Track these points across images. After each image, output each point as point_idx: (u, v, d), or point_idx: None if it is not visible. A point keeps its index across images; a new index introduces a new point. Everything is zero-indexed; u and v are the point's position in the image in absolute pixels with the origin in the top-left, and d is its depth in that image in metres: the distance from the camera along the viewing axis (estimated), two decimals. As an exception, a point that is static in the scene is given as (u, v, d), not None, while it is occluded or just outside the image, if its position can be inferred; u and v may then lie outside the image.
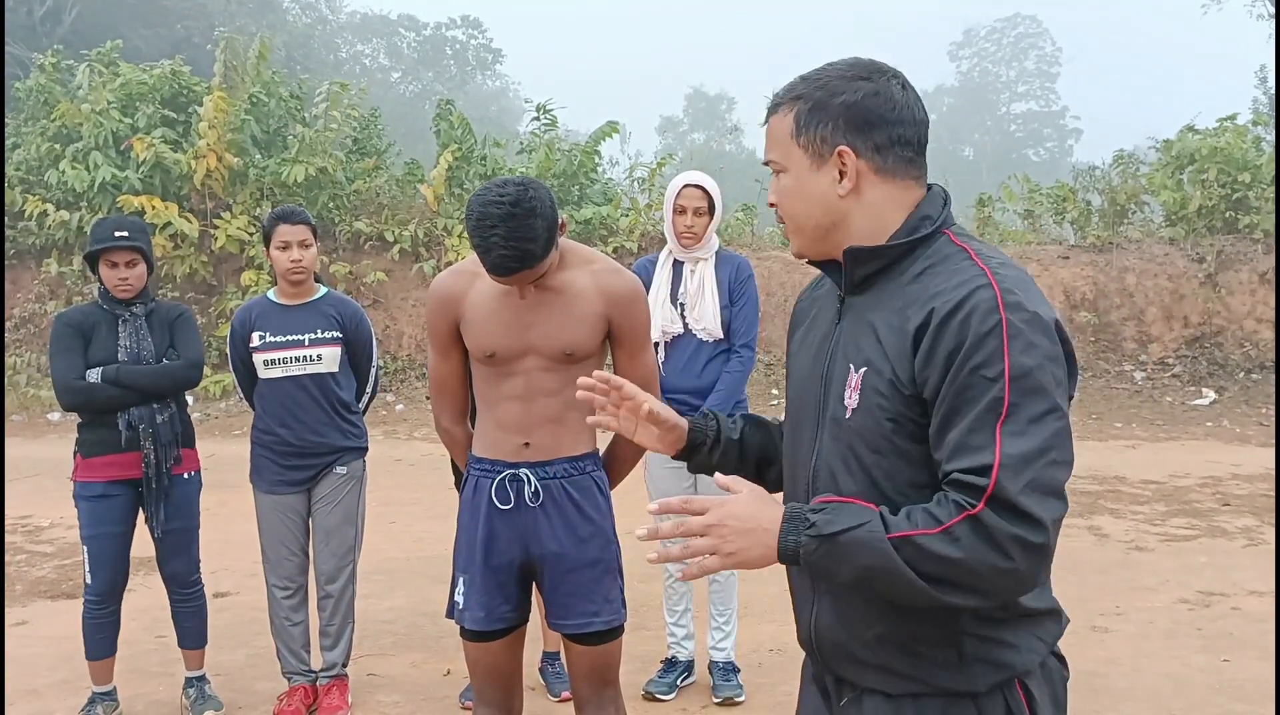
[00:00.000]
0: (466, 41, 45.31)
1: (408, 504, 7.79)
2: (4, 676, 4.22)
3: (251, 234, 13.02)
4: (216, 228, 12.97)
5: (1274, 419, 10.93)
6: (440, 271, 13.00)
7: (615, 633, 2.69)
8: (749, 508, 1.51)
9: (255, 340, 4.00)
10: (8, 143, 14.21)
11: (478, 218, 2.40)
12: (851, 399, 1.59)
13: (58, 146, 13.35)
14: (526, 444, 2.61)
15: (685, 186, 4.13)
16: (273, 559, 4.09)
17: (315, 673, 4.18)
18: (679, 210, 4.13)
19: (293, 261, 3.98)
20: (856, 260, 1.63)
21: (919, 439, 1.53)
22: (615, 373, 2.74)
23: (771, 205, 1.75)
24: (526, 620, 2.76)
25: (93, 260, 3.97)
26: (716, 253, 4.22)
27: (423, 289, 13.18)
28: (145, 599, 5.48)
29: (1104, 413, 11.39)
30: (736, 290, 4.16)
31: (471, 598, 2.66)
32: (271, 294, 4.14)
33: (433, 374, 2.81)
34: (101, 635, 4.02)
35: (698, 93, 60.52)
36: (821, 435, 1.65)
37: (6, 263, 13.85)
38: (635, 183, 14.87)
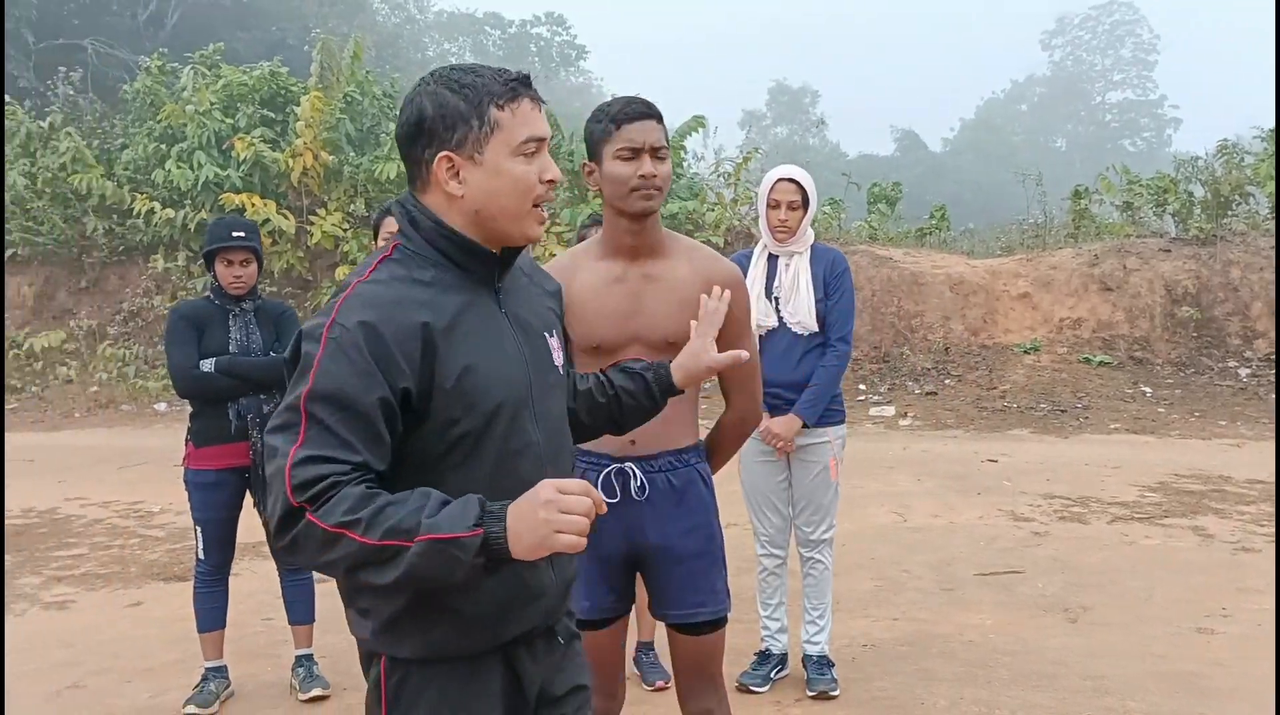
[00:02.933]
0: (550, 38, 45.71)
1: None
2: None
3: (345, 230, 13.33)
4: (312, 224, 13.30)
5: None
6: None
7: (720, 623, 2.72)
8: None
9: None
10: (117, 142, 14.75)
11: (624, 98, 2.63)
12: (559, 358, 1.98)
13: (164, 146, 13.82)
14: (633, 441, 2.65)
15: (779, 180, 4.14)
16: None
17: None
18: (773, 204, 4.14)
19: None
20: (514, 253, 1.88)
21: None
22: None
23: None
24: (630, 610, 2.80)
25: (209, 257, 4.13)
26: (811, 247, 4.22)
27: (511, 284, 13.35)
28: (251, 583, 5.68)
29: (1207, 411, 11.06)
30: (832, 284, 4.16)
31: (577, 588, 2.70)
32: None
33: None
34: (213, 606, 4.20)
35: (781, 86, 60.15)
36: (538, 408, 1.86)
37: (117, 258, 14.40)
38: (721, 177, 14.85)
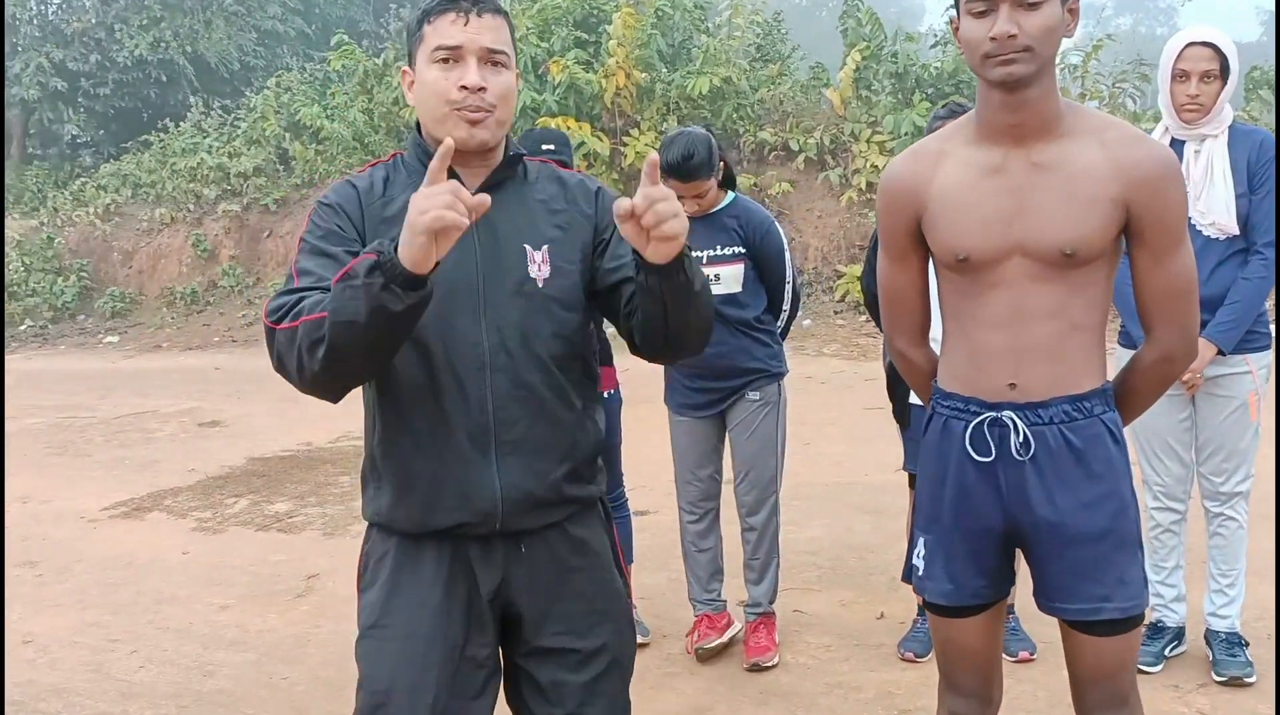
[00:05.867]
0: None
1: (822, 424, 7.40)
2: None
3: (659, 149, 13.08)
4: (625, 145, 13.16)
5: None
6: (847, 180, 12.59)
7: (1132, 622, 2.04)
8: None
9: None
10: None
11: None
12: (539, 271, 1.90)
13: (485, 75, 14.11)
14: (1012, 383, 2.02)
15: (1189, 45, 3.27)
16: (682, 483, 3.87)
17: (721, 601, 3.91)
18: (1179, 76, 3.28)
19: (691, 213, 3.62)
20: (510, 165, 1.95)
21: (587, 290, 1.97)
22: (1135, 281, 2.07)
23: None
24: (1007, 594, 2.20)
25: None
26: (1229, 128, 3.33)
27: (829, 199, 12.66)
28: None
29: None
30: (1258, 174, 3.27)
31: (936, 566, 2.13)
32: None
33: (884, 285, 2.25)
34: None
35: (1124, -29, 54.25)
36: (490, 312, 1.86)
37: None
38: (1066, 71, 13.34)
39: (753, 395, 3.73)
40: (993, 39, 1.88)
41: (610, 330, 4.29)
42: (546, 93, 13.37)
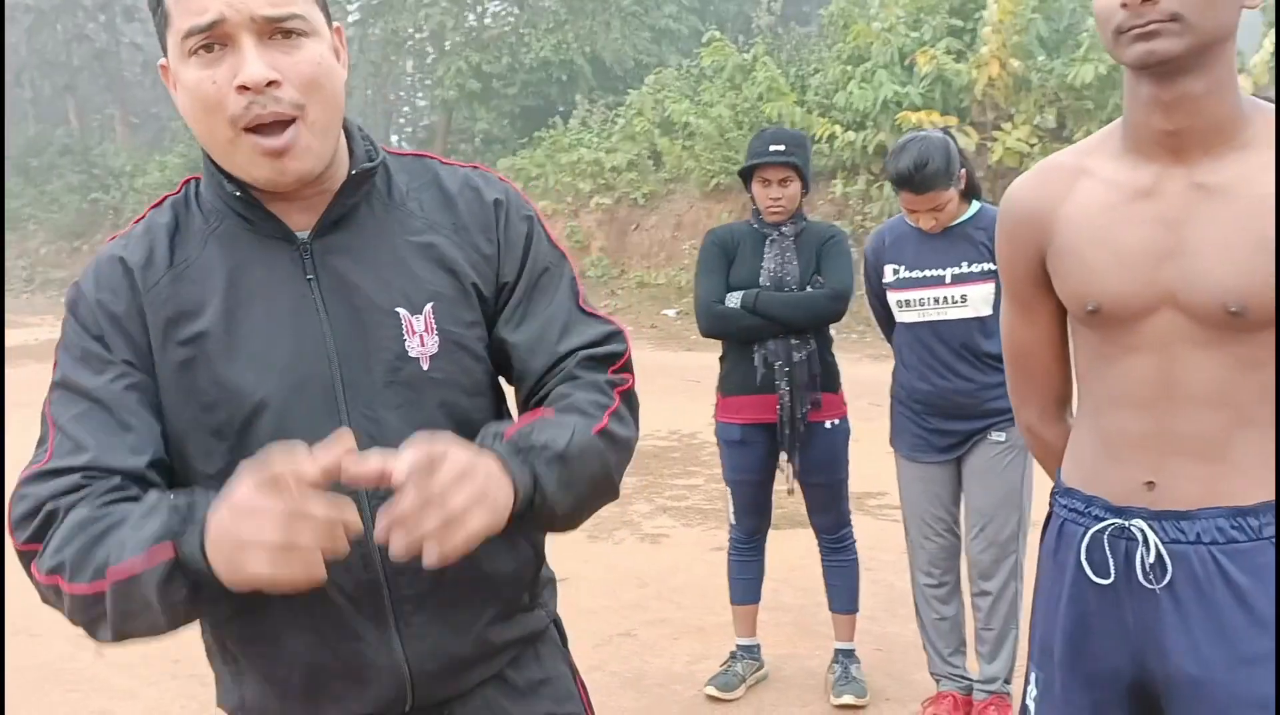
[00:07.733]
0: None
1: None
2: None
3: (1032, 146, 12.05)
4: (994, 140, 12.23)
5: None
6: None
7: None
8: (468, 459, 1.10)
9: (889, 274, 3.23)
10: (809, 68, 15.00)
11: None
12: (426, 346, 1.29)
13: (849, 68, 13.69)
14: (1150, 483, 1.48)
15: None
16: (915, 539, 3.36)
17: (969, 680, 3.37)
18: None
19: (928, 227, 3.18)
20: (359, 184, 1.29)
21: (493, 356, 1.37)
22: None
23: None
24: None
25: (746, 176, 3.55)
26: None
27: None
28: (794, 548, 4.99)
29: None
30: None
31: (1048, 711, 1.63)
32: None
33: (1008, 340, 1.75)
34: (745, 577, 3.71)
35: None
36: (355, 415, 1.25)
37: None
38: None
39: (997, 436, 3.19)
40: (1124, 5, 1.36)
41: (838, 349, 3.86)
42: (911, 84, 12.72)
